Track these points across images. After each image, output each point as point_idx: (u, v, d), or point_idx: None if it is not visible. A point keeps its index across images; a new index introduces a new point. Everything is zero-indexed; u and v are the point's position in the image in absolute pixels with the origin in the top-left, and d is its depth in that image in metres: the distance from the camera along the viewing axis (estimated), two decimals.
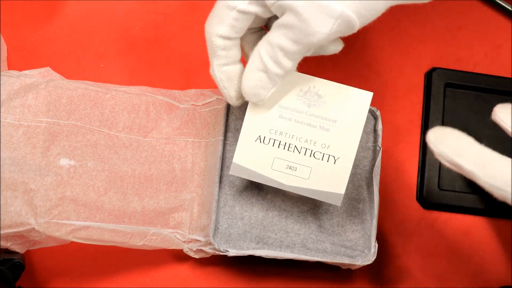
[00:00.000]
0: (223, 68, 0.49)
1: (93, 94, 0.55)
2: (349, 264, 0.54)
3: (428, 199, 0.59)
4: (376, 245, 0.54)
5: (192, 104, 0.57)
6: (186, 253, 0.55)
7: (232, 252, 0.53)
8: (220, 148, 0.55)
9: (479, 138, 0.60)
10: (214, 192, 0.54)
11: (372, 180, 0.55)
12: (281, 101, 0.50)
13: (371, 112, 0.56)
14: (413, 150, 0.61)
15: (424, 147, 0.60)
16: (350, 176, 0.55)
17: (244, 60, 0.50)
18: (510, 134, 0.45)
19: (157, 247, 0.54)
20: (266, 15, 0.48)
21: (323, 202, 0.55)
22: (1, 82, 0.53)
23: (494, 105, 0.61)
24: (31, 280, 0.57)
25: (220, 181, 0.55)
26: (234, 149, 0.55)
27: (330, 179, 0.51)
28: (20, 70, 0.58)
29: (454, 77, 0.61)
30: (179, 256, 0.58)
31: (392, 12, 0.63)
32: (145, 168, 0.55)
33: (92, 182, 0.53)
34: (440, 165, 0.60)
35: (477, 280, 0.59)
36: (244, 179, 0.56)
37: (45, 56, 0.61)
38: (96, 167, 0.54)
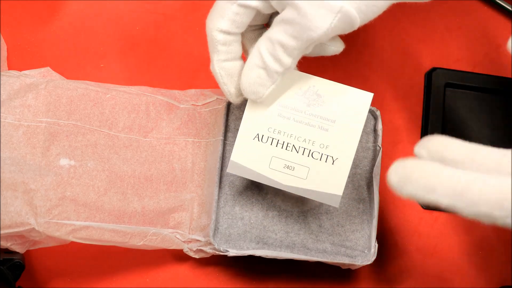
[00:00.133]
0: (223, 64, 0.49)
1: (93, 94, 0.55)
2: (349, 264, 0.54)
3: None
4: (376, 245, 0.54)
5: (192, 104, 0.57)
6: (186, 253, 0.55)
7: (232, 252, 0.53)
8: (220, 148, 0.55)
9: (479, 138, 0.61)
10: (214, 192, 0.54)
11: (372, 180, 0.55)
12: (281, 100, 0.50)
13: (371, 112, 0.56)
14: (413, 150, 0.61)
15: None
16: (350, 176, 0.55)
17: (245, 58, 0.50)
18: None
19: (157, 247, 0.54)
20: (267, 11, 0.48)
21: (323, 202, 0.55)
22: (1, 82, 0.53)
23: (494, 105, 0.61)
24: (31, 280, 0.57)
25: (220, 181, 0.55)
26: None
27: (328, 180, 0.51)
28: (20, 70, 0.58)
29: (454, 77, 0.61)
30: (179, 256, 0.58)
31: (392, 12, 0.63)
32: (145, 168, 0.55)
33: (92, 182, 0.53)
34: None
35: (477, 280, 0.59)
36: (244, 179, 0.56)
37: (45, 56, 0.61)
38: (96, 167, 0.54)
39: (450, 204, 0.36)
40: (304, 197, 0.55)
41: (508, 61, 0.63)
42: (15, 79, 0.53)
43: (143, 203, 0.54)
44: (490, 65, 0.63)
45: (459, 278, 0.59)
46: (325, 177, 0.51)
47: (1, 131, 0.51)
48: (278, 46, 0.46)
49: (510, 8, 0.63)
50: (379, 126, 0.56)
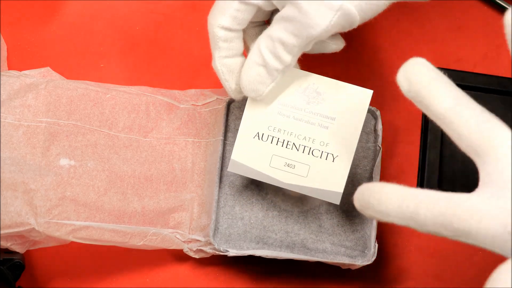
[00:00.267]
0: (225, 60, 0.49)
1: (93, 94, 0.55)
2: (349, 264, 0.54)
3: None
4: (376, 245, 0.54)
5: (192, 104, 0.57)
6: (186, 253, 0.55)
7: (232, 252, 0.53)
8: (220, 148, 0.55)
9: None
10: (214, 192, 0.54)
11: (372, 180, 0.55)
12: (280, 98, 0.50)
13: (371, 112, 0.56)
14: (413, 150, 0.61)
15: (424, 147, 0.60)
16: (350, 176, 0.55)
17: (247, 54, 0.50)
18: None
19: (157, 247, 0.54)
20: (268, 8, 0.48)
21: (323, 202, 0.55)
22: (1, 82, 0.53)
23: (494, 105, 0.61)
24: (31, 280, 0.57)
25: (220, 181, 0.55)
26: None
27: (328, 178, 0.51)
28: (20, 70, 0.58)
29: (454, 77, 0.61)
30: (179, 256, 0.58)
31: (392, 12, 0.63)
32: (145, 168, 0.55)
33: (92, 182, 0.53)
34: (440, 165, 0.60)
35: (477, 280, 0.59)
36: (244, 179, 0.56)
37: (45, 56, 0.61)
38: (96, 167, 0.54)
39: (404, 225, 0.39)
40: (304, 197, 0.55)
41: (508, 61, 0.63)
42: (15, 79, 0.53)
43: (143, 203, 0.54)
44: (490, 65, 0.63)
45: (459, 278, 0.59)
46: (326, 175, 0.51)
47: (1, 131, 0.51)
48: (278, 44, 0.46)
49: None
50: (379, 126, 0.56)
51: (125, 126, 0.55)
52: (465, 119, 0.38)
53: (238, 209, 0.55)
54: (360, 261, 0.53)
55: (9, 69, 0.60)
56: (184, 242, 0.55)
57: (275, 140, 0.51)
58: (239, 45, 0.49)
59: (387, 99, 0.62)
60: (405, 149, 0.61)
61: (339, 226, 0.55)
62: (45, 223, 0.51)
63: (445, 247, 0.59)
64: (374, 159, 0.56)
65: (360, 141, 0.56)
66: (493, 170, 0.37)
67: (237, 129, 0.56)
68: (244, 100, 0.56)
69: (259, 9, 0.48)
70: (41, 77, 0.58)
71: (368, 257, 0.54)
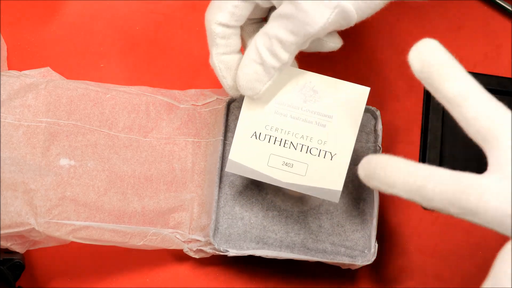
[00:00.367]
0: (222, 57, 0.49)
1: (93, 94, 0.55)
2: (349, 264, 0.54)
3: None
4: (376, 245, 0.54)
5: (192, 104, 0.57)
6: (186, 253, 0.55)
7: (232, 252, 0.53)
8: (220, 148, 0.55)
9: None
10: (214, 192, 0.54)
11: None
12: (277, 97, 0.50)
13: (371, 112, 0.56)
14: (413, 150, 0.61)
15: (424, 147, 0.60)
16: (350, 176, 0.55)
17: (244, 51, 0.50)
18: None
19: (157, 247, 0.54)
20: (266, 5, 0.48)
21: (323, 202, 0.55)
22: (1, 82, 0.53)
23: None
24: (31, 280, 0.57)
25: (220, 181, 0.55)
26: None
27: (327, 176, 0.51)
28: (20, 70, 0.58)
29: None
30: (179, 256, 0.58)
31: (392, 12, 0.63)
32: (145, 168, 0.55)
33: (92, 182, 0.53)
34: (440, 165, 0.60)
35: (477, 280, 0.59)
36: (244, 179, 0.56)
37: (45, 56, 0.61)
38: (96, 167, 0.54)
39: (409, 199, 0.39)
40: (304, 197, 0.55)
41: (508, 61, 0.63)
42: (15, 79, 0.53)
43: (143, 203, 0.54)
44: (490, 65, 0.63)
45: (459, 278, 0.59)
46: (324, 173, 0.51)
47: (1, 131, 0.51)
48: (275, 41, 0.46)
49: (510, 8, 0.63)
50: (379, 126, 0.56)
51: (125, 126, 0.55)
52: (474, 105, 0.39)
53: (238, 209, 0.55)
54: (360, 261, 0.53)
55: (9, 69, 0.60)
56: (184, 242, 0.55)
57: (272, 139, 0.51)
58: (236, 42, 0.49)
59: (387, 99, 0.62)
60: (405, 149, 0.61)
61: (339, 226, 0.55)
62: (45, 223, 0.51)
63: (445, 247, 0.59)
64: None
65: (360, 141, 0.56)
66: (502, 155, 0.38)
67: None
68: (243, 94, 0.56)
69: (256, 6, 0.48)
70: (41, 77, 0.58)
71: (368, 257, 0.54)
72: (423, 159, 0.60)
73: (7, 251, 0.52)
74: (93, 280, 0.57)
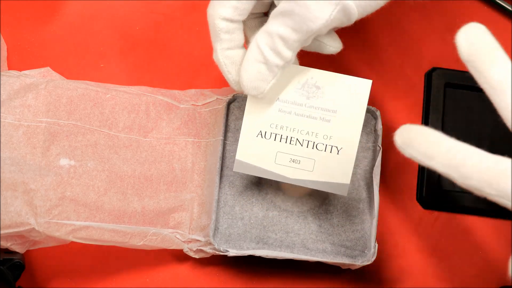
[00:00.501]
0: (227, 52, 0.49)
1: (93, 94, 0.55)
2: (349, 264, 0.54)
3: (428, 199, 0.59)
4: (376, 245, 0.54)
5: (192, 104, 0.57)
6: (186, 253, 0.55)
7: (232, 252, 0.53)
8: (220, 148, 0.55)
9: (480, 138, 0.61)
10: (214, 192, 0.54)
11: (372, 180, 0.55)
12: (280, 95, 0.50)
13: (371, 112, 0.56)
14: None
15: None
16: (350, 176, 0.55)
17: (246, 46, 0.50)
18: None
19: (157, 247, 0.54)
20: None
21: (323, 202, 0.55)
22: (1, 82, 0.53)
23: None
24: (31, 280, 0.57)
25: (220, 181, 0.55)
26: (234, 149, 0.55)
27: (334, 170, 0.51)
28: (20, 70, 0.58)
29: (454, 77, 0.61)
30: (179, 256, 0.58)
31: (392, 12, 0.63)
32: (145, 168, 0.55)
33: (92, 182, 0.53)
34: None
35: (477, 280, 0.59)
36: (244, 179, 0.56)
37: (45, 56, 0.61)
38: (96, 167, 0.54)
39: (445, 173, 0.40)
40: (304, 197, 0.55)
41: None
42: (15, 79, 0.53)
43: (143, 203, 0.54)
44: None
45: (459, 278, 0.59)
46: (332, 168, 0.51)
47: (1, 131, 0.51)
48: (277, 40, 0.46)
49: (510, 8, 0.63)
50: (379, 126, 0.56)
51: (125, 126, 0.55)
52: None
53: (238, 209, 0.55)
54: (360, 261, 0.53)
55: (9, 69, 0.60)
56: (184, 242, 0.55)
57: (278, 137, 0.51)
58: (240, 37, 0.49)
59: (387, 99, 0.62)
60: None
61: (339, 226, 0.55)
62: (45, 223, 0.51)
63: (445, 247, 0.59)
64: (374, 159, 0.56)
65: (360, 141, 0.56)
66: None
67: (237, 129, 0.56)
68: (244, 99, 0.56)
69: (259, 1, 0.48)
70: (41, 77, 0.57)
71: (368, 257, 0.54)
72: None
73: (7, 251, 0.52)
74: (93, 280, 0.57)
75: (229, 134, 0.56)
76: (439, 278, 0.59)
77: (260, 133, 0.51)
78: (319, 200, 0.55)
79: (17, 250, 0.52)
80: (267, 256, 0.53)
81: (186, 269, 0.58)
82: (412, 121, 0.61)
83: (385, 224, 0.59)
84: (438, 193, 0.59)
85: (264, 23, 0.47)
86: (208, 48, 0.62)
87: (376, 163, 0.54)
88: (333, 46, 0.50)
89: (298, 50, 0.47)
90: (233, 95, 0.56)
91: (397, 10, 0.63)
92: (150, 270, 0.58)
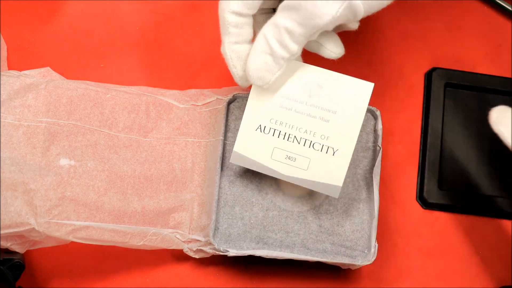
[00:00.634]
0: (234, 46, 0.49)
1: (93, 94, 0.55)
2: (349, 264, 0.54)
3: (428, 199, 0.59)
4: (376, 245, 0.54)
5: (192, 104, 0.57)
6: (186, 253, 0.55)
7: (232, 252, 0.53)
8: (220, 148, 0.55)
9: (480, 138, 0.61)
10: (214, 192, 0.54)
11: (372, 180, 0.55)
12: (282, 91, 0.50)
13: (371, 112, 0.56)
14: (413, 150, 0.61)
15: (424, 147, 0.60)
16: (350, 176, 0.55)
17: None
18: (510, 147, 0.46)
19: (157, 247, 0.54)
20: None
21: (323, 202, 0.55)
22: (1, 82, 0.53)
23: (494, 105, 0.61)
24: (31, 280, 0.57)
25: (220, 181, 0.55)
26: None
27: (328, 171, 0.51)
28: (20, 70, 0.58)
29: (454, 77, 0.61)
30: (179, 256, 0.58)
31: (393, 12, 0.63)
32: (145, 168, 0.55)
33: (92, 182, 0.53)
34: (440, 165, 0.60)
35: (477, 280, 0.59)
36: (244, 179, 0.56)
37: (45, 56, 0.61)
38: (96, 167, 0.54)
39: None
40: (304, 197, 0.55)
41: (508, 61, 0.63)
42: (15, 79, 0.53)
43: (143, 203, 0.54)
44: (490, 65, 0.63)
45: (459, 278, 0.59)
46: (326, 168, 0.51)
47: (1, 131, 0.51)
48: (284, 32, 0.46)
49: (510, 8, 0.63)
50: (379, 126, 0.56)
51: (125, 126, 0.55)
52: None
53: (238, 209, 0.55)
54: (360, 261, 0.53)
55: (9, 69, 0.60)
56: (184, 242, 0.55)
57: (276, 132, 0.51)
58: (249, 32, 0.49)
59: (387, 99, 0.62)
60: (405, 149, 0.61)
61: (339, 226, 0.55)
62: (45, 223, 0.51)
63: (445, 247, 0.59)
64: (374, 159, 0.56)
65: (360, 141, 0.56)
66: None
67: (237, 129, 0.56)
68: (244, 99, 0.56)
69: None
70: (41, 77, 0.58)
71: (368, 257, 0.54)
72: (423, 159, 0.60)
73: (7, 251, 0.52)
74: (93, 280, 0.57)
75: (229, 134, 0.56)
76: (439, 278, 0.59)
77: (259, 127, 0.51)
78: (319, 200, 0.55)
79: (17, 250, 0.52)
80: (267, 256, 0.53)
81: (186, 269, 0.58)
82: (412, 121, 0.61)
83: (385, 224, 0.59)
84: (438, 193, 0.59)
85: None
86: (208, 48, 0.62)
87: (376, 163, 0.54)
88: (335, 52, 0.50)
89: (304, 43, 0.47)
90: (233, 95, 0.56)
91: (397, 10, 0.63)
92: (150, 270, 0.58)
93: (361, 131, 0.55)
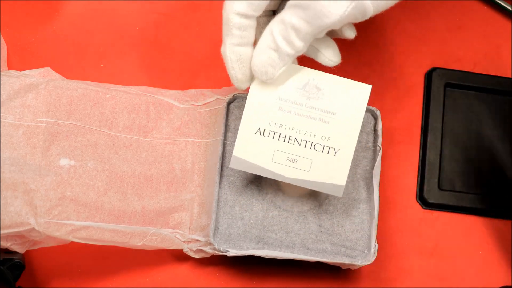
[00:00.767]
0: (236, 48, 0.48)
1: (93, 94, 0.55)
2: (349, 264, 0.54)
3: (428, 199, 0.59)
4: (376, 245, 0.54)
5: (192, 104, 0.57)
6: (186, 253, 0.55)
7: (232, 252, 0.53)
8: (220, 148, 0.55)
9: (480, 138, 0.61)
10: (214, 192, 0.54)
11: (372, 180, 0.55)
12: (281, 94, 0.50)
13: (371, 112, 0.56)
14: (413, 150, 0.61)
15: (424, 147, 0.60)
16: (350, 176, 0.55)
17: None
18: None
19: (157, 247, 0.54)
20: None
21: (323, 202, 0.55)
22: (1, 82, 0.53)
23: (494, 105, 0.61)
24: (31, 280, 0.57)
25: (220, 181, 0.55)
26: None
27: (330, 171, 0.51)
28: (20, 70, 0.58)
29: (454, 77, 0.61)
30: (179, 256, 0.58)
31: (393, 12, 0.63)
32: (145, 168, 0.55)
33: (92, 182, 0.53)
34: (440, 165, 0.60)
35: (477, 280, 0.59)
36: (244, 179, 0.56)
37: (45, 56, 0.61)
38: (96, 167, 0.54)
39: None
40: (304, 197, 0.55)
41: (508, 61, 0.63)
42: (15, 79, 0.53)
43: (143, 203, 0.54)
44: (490, 65, 0.63)
45: (459, 278, 0.59)
46: (328, 168, 0.51)
47: (1, 131, 0.51)
48: (290, 30, 0.46)
49: (510, 8, 0.63)
50: (379, 126, 0.56)
51: (125, 126, 0.55)
52: None
53: (238, 209, 0.55)
54: (360, 261, 0.53)
55: (9, 69, 0.60)
56: (184, 242, 0.55)
57: (276, 135, 0.51)
58: (251, 35, 0.48)
59: (387, 99, 0.62)
60: (405, 149, 0.61)
61: (339, 226, 0.55)
62: (45, 223, 0.51)
63: (445, 247, 0.59)
64: (374, 159, 0.56)
65: (360, 141, 0.56)
66: None
67: (237, 129, 0.56)
68: (244, 99, 0.56)
69: None
70: (41, 77, 0.57)
71: (368, 257, 0.54)
72: (423, 159, 0.60)
73: (7, 251, 0.52)
74: (93, 280, 0.57)
75: (229, 134, 0.56)
76: (439, 278, 0.59)
77: (258, 131, 0.51)
78: (319, 200, 0.55)
79: (17, 250, 0.52)
80: (267, 256, 0.53)
81: (186, 269, 0.58)
82: (412, 121, 0.61)
83: (385, 224, 0.59)
84: (438, 193, 0.59)
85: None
86: (208, 48, 0.62)
87: (376, 163, 0.54)
88: (332, 60, 0.51)
89: (310, 41, 0.47)
90: (233, 95, 0.56)
91: (397, 10, 0.63)
92: (150, 270, 0.58)
93: (361, 131, 0.55)
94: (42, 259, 0.57)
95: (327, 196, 0.56)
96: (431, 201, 0.59)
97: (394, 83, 0.62)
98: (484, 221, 0.60)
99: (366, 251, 0.54)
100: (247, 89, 0.51)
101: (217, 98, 0.57)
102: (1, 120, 0.52)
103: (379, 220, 0.57)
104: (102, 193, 0.53)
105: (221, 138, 0.55)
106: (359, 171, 0.56)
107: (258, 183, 0.56)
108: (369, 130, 0.57)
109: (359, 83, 0.50)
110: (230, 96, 0.56)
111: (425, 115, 0.61)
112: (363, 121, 0.56)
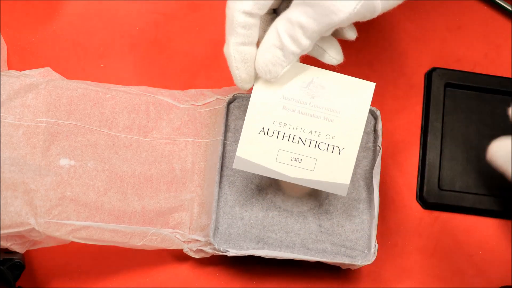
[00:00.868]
0: (240, 47, 0.48)
1: (93, 94, 0.55)
2: (349, 264, 0.54)
3: (428, 199, 0.59)
4: (376, 245, 0.54)
5: (192, 104, 0.57)
6: (186, 253, 0.55)
7: (232, 252, 0.53)
8: (220, 148, 0.55)
9: (480, 138, 0.61)
10: (214, 192, 0.54)
11: (372, 180, 0.55)
12: (285, 92, 0.50)
13: (371, 112, 0.56)
14: (413, 150, 0.61)
15: (424, 147, 0.60)
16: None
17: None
18: None
19: (157, 247, 0.54)
20: None
21: (323, 202, 0.55)
22: (1, 82, 0.53)
23: (494, 105, 0.61)
24: (31, 280, 0.57)
25: (220, 181, 0.55)
26: (234, 149, 0.55)
27: (335, 170, 0.51)
28: (20, 70, 0.58)
29: (454, 77, 0.61)
30: (179, 256, 0.58)
31: (393, 12, 0.63)
32: (145, 168, 0.55)
33: (92, 182, 0.53)
34: (440, 165, 0.60)
35: (477, 280, 0.59)
36: (244, 179, 0.56)
37: (45, 56, 0.61)
38: (96, 167, 0.54)
39: None
40: (304, 197, 0.55)
41: (508, 61, 0.63)
42: (15, 79, 0.53)
43: (143, 203, 0.54)
44: (490, 65, 0.63)
45: (459, 278, 0.59)
46: (332, 167, 0.51)
47: (1, 131, 0.51)
48: (297, 28, 0.46)
49: (510, 8, 0.63)
50: (379, 126, 0.56)
51: (125, 126, 0.55)
52: None
53: (238, 209, 0.55)
54: (360, 261, 0.53)
55: (9, 69, 0.60)
56: (184, 242, 0.55)
57: (281, 134, 0.51)
58: (255, 34, 0.48)
59: (387, 99, 0.62)
60: (405, 149, 0.61)
61: (339, 226, 0.55)
62: (45, 223, 0.51)
63: (445, 247, 0.59)
64: (374, 159, 0.56)
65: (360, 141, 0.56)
66: None
67: (237, 129, 0.56)
68: (244, 99, 0.56)
69: None
70: (41, 77, 0.58)
71: (368, 257, 0.54)
72: (423, 159, 0.60)
73: (7, 251, 0.52)
74: (93, 280, 0.57)
75: (229, 134, 0.56)
76: (439, 278, 0.59)
77: (262, 130, 0.51)
78: (319, 200, 0.55)
79: (17, 250, 0.52)
80: (267, 256, 0.53)
81: (186, 269, 0.58)
82: (412, 121, 0.61)
83: (385, 224, 0.59)
84: (438, 193, 0.59)
85: (273, 20, 0.47)
86: (208, 48, 0.62)
87: (376, 163, 0.54)
88: (336, 58, 0.50)
89: (316, 40, 0.47)
90: (233, 95, 0.56)
91: (397, 10, 0.63)
92: (150, 270, 0.58)
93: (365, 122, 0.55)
94: (42, 259, 0.57)
95: (327, 196, 0.56)
96: (431, 201, 0.59)
97: (394, 83, 0.62)
98: (484, 221, 0.60)
99: (366, 251, 0.54)
100: (249, 89, 0.51)
101: (217, 98, 0.57)
102: (1, 120, 0.52)
103: (379, 220, 0.57)
104: (102, 193, 0.53)
105: (221, 138, 0.55)
106: (359, 171, 0.56)
107: (258, 183, 0.56)
108: (369, 130, 0.57)
109: (363, 80, 0.50)
110: (230, 96, 0.56)
111: (425, 115, 0.61)
112: None
